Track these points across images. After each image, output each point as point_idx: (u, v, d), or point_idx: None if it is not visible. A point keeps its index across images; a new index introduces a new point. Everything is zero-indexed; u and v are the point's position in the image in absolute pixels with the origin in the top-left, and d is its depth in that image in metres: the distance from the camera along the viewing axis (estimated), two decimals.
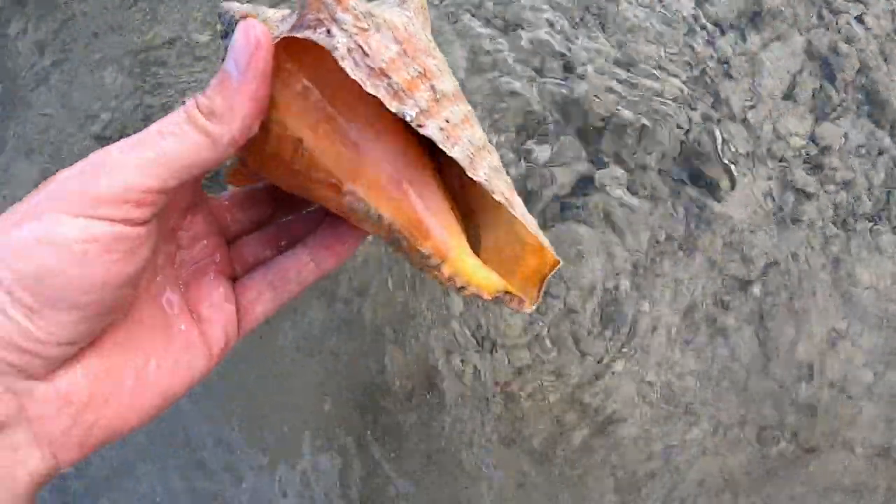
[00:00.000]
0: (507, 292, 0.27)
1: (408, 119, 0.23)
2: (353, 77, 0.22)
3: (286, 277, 0.30)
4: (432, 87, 0.24)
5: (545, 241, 0.27)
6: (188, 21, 0.51)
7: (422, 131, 0.23)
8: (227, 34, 0.26)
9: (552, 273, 0.27)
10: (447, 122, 0.24)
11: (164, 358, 0.26)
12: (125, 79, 0.51)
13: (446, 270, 0.26)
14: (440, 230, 0.26)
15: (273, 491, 0.49)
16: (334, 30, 0.23)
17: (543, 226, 0.47)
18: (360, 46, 0.23)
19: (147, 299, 0.26)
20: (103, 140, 0.51)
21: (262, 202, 0.31)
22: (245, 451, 0.50)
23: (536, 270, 0.28)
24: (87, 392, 0.24)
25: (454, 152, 0.24)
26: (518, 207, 0.26)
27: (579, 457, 0.47)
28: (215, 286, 0.29)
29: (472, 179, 0.27)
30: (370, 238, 0.49)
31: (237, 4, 0.26)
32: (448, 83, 0.25)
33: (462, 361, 0.47)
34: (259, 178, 0.28)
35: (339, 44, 0.22)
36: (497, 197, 0.25)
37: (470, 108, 0.26)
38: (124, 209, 0.22)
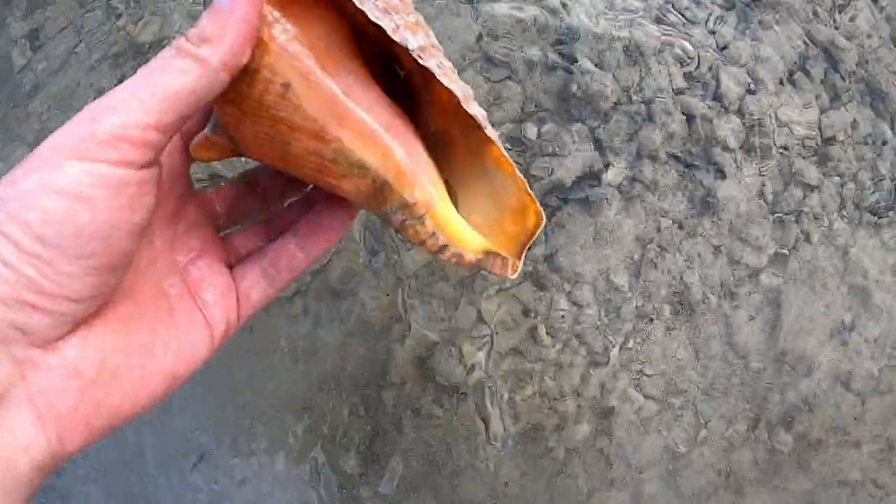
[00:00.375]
0: (489, 252, 0.27)
1: (409, 47, 0.24)
2: (358, 6, 0.23)
3: (278, 266, 0.30)
4: (428, 35, 0.25)
5: (529, 190, 0.27)
6: (176, 14, 0.51)
7: (422, 62, 0.24)
8: None
9: (537, 234, 0.27)
10: (443, 64, 0.25)
11: (168, 338, 0.26)
12: (115, 70, 0.51)
13: (430, 223, 0.26)
14: (425, 181, 0.26)
15: (268, 489, 0.48)
16: None
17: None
18: None
19: (149, 281, 0.26)
20: None
21: (247, 195, 0.32)
22: (235, 451, 0.49)
23: (519, 232, 0.28)
24: (96, 364, 0.23)
25: (452, 86, 0.24)
26: (505, 155, 0.26)
27: (580, 450, 0.46)
28: (213, 272, 0.29)
29: (451, 151, 0.27)
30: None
31: None
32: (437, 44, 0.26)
33: (462, 354, 0.47)
34: (230, 151, 0.27)
35: None
36: (488, 132, 0.25)
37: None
38: (123, 149, 0.22)
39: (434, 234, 0.26)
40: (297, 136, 0.25)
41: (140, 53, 0.51)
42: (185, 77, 0.22)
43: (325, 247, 0.30)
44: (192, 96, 0.22)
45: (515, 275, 0.27)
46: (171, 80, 0.22)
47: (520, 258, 0.27)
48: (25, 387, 0.22)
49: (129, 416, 0.25)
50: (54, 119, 0.51)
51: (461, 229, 0.27)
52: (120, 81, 0.51)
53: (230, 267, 0.30)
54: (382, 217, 0.26)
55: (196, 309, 0.28)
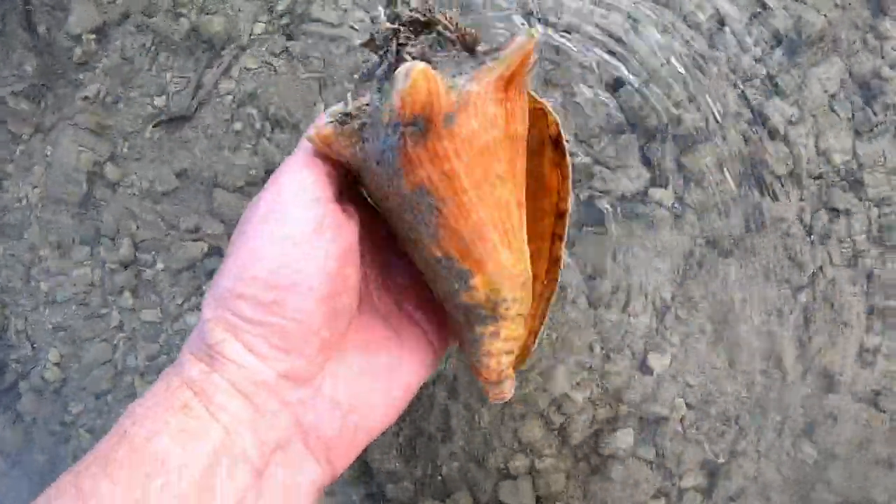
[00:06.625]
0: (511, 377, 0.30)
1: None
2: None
3: None
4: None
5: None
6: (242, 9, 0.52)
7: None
8: (380, 61, 0.25)
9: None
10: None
11: (402, 356, 0.29)
12: (177, 62, 0.52)
13: (524, 329, 0.30)
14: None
15: None
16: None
17: (597, 223, 0.48)
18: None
19: (373, 311, 0.30)
20: (157, 122, 0.51)
21: None
22: None
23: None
24: (350, 393, 0.27)
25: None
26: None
27: (621, 457, 0.48)
28: (423, 298, 0.31)
29: None
30: None
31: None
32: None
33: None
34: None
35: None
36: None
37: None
38: (321, 187, 0.26)
39: (519, 338, 0.29)
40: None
41: (204, 42, 0.51)
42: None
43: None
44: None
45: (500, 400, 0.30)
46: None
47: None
48: (299, 428, 0.26)
49: (379, 432, 0.28)
50: (111, 103, 0.52)
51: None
52: (182, 67, 0.51)
53: None
54: (484, 302, 0.27)
55: (417, 329, 0.30)
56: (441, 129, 0.22)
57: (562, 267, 0.31)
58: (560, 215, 0.30)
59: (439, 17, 0.24)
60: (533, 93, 0.28)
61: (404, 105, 0.22)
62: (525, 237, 0.27)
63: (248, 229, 0.25)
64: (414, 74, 0.21)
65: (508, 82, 0.23)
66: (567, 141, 0.29)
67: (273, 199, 0.26)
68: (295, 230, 0.25)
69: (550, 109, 0.28)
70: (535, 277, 0.30)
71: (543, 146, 0.30)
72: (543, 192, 0.30)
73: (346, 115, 0.25)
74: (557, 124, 0.29)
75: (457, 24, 0.24)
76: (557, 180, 0.30)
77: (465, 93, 0.23)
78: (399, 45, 0.24)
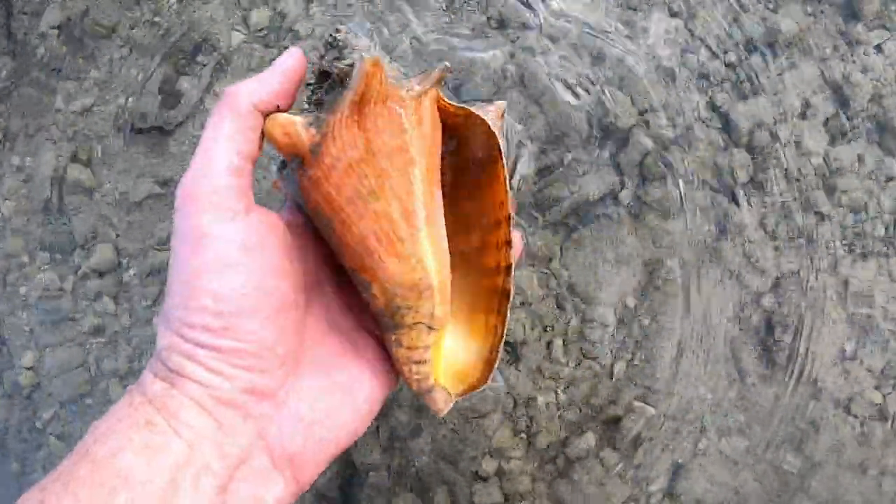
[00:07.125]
0: (442, 387, 0.30)
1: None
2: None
3: None
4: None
5: (497, 353, 0.30)
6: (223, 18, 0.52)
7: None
8: (327, 70, 0.27)
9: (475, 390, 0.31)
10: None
11: (362, 371, 0.29)
12: (149, 69, 0.52)
13: (432, 338, 0.29)
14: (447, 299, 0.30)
15: None
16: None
17: (564, 229, 0.48)
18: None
19: (330, 326, 0.30)
20: (134, 130, 0.52)
21: None
22: None
23: (465, 379, 0.31)
24: (314, 408, 0.27)
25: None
26: (504, 324, 0.30)
27: (583, 459, 0.47)
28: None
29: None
30: None
31: (363, 41, 0.27)
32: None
33: None
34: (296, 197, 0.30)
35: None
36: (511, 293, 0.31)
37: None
38: (225, 193, 0.26)
39: (427, 347, 0.29)
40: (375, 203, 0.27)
41: (180, 52, 0.52)
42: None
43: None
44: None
45: (443, 414, 0.30)
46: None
47: (454, 399, 0.30)
48: (264, 442, 0.26)
49: (346, 444, 0.28)
50: (89, 113, 0.52)
51: (440, 356, 0.30)
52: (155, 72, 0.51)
53: None
54: (385, 310, 0.28)
55: (376, 345, 0.31)
56: (311, 160, 0.26)
57: (513, 277, 0.31)
58: (507, 220, 0.30)
59: (333, 66, 0.27)
60: (470, 106, 0.29)
61: (280, 150, 0.27)
62: (425, 246, 0.27)
63: (180, 257, 0.25)
64: (267, 126, 0.26)
65: (361, 105, 0.26)
66: (499, 143, 0.29)
67: (193, 218, 0.25)
68: (223, 254, 0.25)
69: (487, 118, 0.29)
70: (492, 291, 0.30)
71: (495, 155, 0.30)
72: (496, 202, 0.31)
73: (284, 162, 0.29)
74: (489, 129, 0.29)
75: (340, 67, 0.26)
76: (504, 187, 0.30)
77: (324, 124, 0.26)
78: (313, 93, 0.28)
